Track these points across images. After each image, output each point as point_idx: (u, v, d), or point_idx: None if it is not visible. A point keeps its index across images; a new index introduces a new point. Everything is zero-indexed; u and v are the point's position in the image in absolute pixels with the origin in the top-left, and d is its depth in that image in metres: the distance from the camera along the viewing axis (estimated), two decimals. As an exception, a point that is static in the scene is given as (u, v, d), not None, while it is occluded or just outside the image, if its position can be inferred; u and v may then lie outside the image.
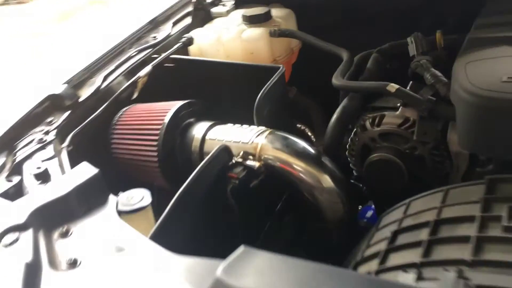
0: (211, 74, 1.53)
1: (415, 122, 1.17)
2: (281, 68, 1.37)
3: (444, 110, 1.09)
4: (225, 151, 1.13)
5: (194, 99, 1.40)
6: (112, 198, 1.03)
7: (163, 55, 1.56)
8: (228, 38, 1.62)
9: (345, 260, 1.12)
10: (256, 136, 1.18)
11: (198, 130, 1.28)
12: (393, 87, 1.16)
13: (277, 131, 1.20)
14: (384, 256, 0.86)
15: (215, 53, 1.65)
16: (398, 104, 1.21)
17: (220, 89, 1.51)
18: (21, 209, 0.96)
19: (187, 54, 1.70)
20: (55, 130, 1.30)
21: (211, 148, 1.24)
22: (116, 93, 1.43)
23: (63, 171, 1.12)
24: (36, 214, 0.96)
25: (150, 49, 1.63)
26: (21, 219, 0.94)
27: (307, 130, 1.67)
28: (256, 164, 1.13)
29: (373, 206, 1.43)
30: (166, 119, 1.27)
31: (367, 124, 1.24)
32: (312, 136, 1.65)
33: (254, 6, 1.80)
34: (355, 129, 1.27)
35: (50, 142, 1.25)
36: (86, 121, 1.34)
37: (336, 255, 1.24)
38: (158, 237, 0.94)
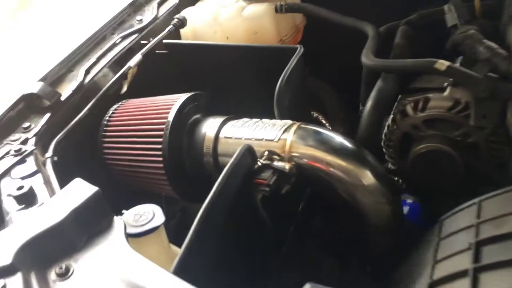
0: (212, 60, 1.32)
1: (467, 105, 1.00)
2: (299, 48, 1.17)
3: (508, 89, 0.92)
4: (249, 152, 0.93)
5: (193, 90, 1.20)
6: (117, 220, 0.83)
7: (153, 40, 1.34)
8: (226, 17, 1.41)
9: (396, 273, 0.96)
10: (283, 132, 0.99)
11: (209, 127, 1.08)
12: (442, 64, 0.98)
13: (306, 125, 1.01)
14: (474, 278, 0.69)
15: (211, 35, 1.44)
16: (445, 84, 1.03)
17: (223, 78, 1.31)
18: (3, 246, 0.75)
19: (179, 38, 1.48)
20: (34, 138, 1.07)
21: (228, 148, 1.05)
22: (104, 88, 1.21)
23: (51, 191, 0.91)
24: (24, 251, 0.75)
25: (136, 34, 1.41)
26: (6, 259, 0.73)
27: (320, 117, 1.48)
28: (286, 165, 0.94)
29: (408, 201, 1.26)
30: (170, 116, 1.06)
31: (409, 109, 1.06)
32: (327, 124, 1.46)
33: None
34: (392, 116, 1.09)
35: (29, 153, 1.02)
36: (70, 123, 1.12)
37: (380, 265, 1.09)
38: (183, 271, 0.74)
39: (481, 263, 0.71)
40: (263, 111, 1.10)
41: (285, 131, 0.99)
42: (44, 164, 1.00)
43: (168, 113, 1.08)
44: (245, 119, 1.07)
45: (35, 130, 1.09)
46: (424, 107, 1.05)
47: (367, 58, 1.12)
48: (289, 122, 1.01)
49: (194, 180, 1.12)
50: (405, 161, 1.08)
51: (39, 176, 0.95)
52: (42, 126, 1.10)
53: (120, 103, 1.21)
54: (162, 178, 1.07)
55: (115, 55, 1.32)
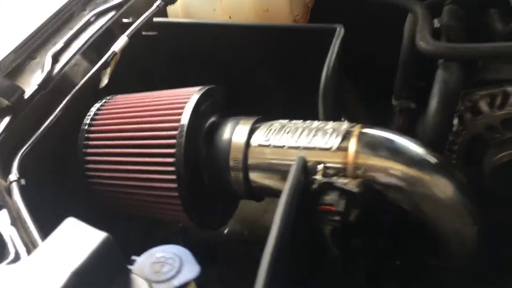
0: (218, 44, 1.05)
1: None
2: (339, 29, 0.93)
3: None
4: (303, 167, 0.68)
5: (191, 82, 0.93)
6: (137, 280, 0.57)
7: (141, 18, 1.05)
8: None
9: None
10: (342, 138, 0.75)
11: (235, 132, 0.81)
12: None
13: (368, 128, 0.77)
14: None
15: (209, 14, 1.16)
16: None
17: (233, 67, 1.04)
18: None
19: (165, 17, 1.19)
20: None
21: (264, 160, 0.79)
22: (82, 81, 0.91)
23: (26, 235, 0.61)
24: None
25: (114, 11, 1.11)
26: None
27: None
28: (351, 183, 0.71)
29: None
30: (185, 119, 0.79)
31: (483, 105, 0.86)
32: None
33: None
34: (458, 114, 0.88)
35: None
36: (39, 130, 0.82)
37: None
38: None
39: None
40: (286, 110, 0.86)
41: (344, 137, 0.75)
42: (8, 191, 0.70)
43: (179, 114, 0.80)
44: (281, 121, 0.82)
45: (-11, 140, 0.78)
46: (503, 103, 0.85)
47: (426, 43, 0.89)
48: (345, 124, 0.77)
49: (213, 202, 0.86)
50: (472, 170, 0.88)
51: (3, 213, 0.66)
52: (1, 134, 0.79)
53: (103, 100, 0.91)
54: (174, 202, 0.80)
55: (90, 37, 1.02)
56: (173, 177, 0.78)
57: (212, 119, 0.85)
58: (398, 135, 0.77)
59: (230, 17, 1.16)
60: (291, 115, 0.84)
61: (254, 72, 1.02)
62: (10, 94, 0.82)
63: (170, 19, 1.13)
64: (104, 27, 1.05)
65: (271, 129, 0.81)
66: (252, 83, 0.97)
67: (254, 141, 0.80)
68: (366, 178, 0.73)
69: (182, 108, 0.81)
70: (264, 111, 0.87)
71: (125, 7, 1.13)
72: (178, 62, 1.08)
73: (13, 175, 0.73)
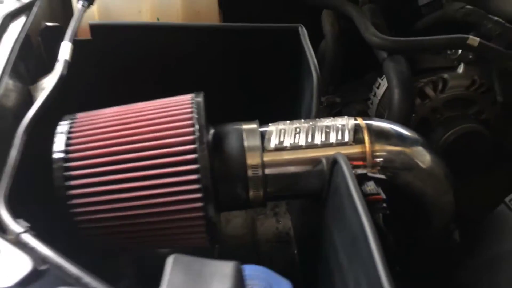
0: (165, 48, 0.95)
1: (481, 82, 0.99)
2: (301, 28, 0.94)
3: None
4: (346, 162, 0.69)
5: (136, 91, 0.84)
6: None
7: (74, 21, 0.88)
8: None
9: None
10: (354, 132, 0.78)
11: (246, 138, 0.76)
12: (475, 40, 0.93)
13: (368, 119, 0.82)
14: None
15: (134, 16, 1.04)
16: (455, 63, 1.00)
17: (182, 72, 0.96)
18: None
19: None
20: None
21: (282, 162, 0.77)
22: (36, 107, 0.73)
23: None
24: None
25: (25, 15, 0.90)
26: None
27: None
28: (375, 171, 0.75)
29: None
30: (200, 130, 0.71)
31: (428, 90, 0.99)
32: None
33: None
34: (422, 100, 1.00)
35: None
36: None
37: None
38: None
39: None
40: (246, 114, 0.85)
41: (355, 130, 0.78)
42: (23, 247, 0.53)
43: (188, 125, 0.71)
44: (284, 122, 0.80)
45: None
46: (443, 87, 0.99)
47: (378, 38, 0.98)
48: (349, 118, 0.80)
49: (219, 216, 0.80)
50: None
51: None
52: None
53: (67, 121, 0.75)
54: (197, 223, 0.71)
55: (12, 50, 0.81)
56: (199, 195, 0.69)
57: (211, 128, 0.78)
58: (391, 123, 0.84)
59: (158, 19, 1.06)
60: (254, 118, 0.83)
61: (214, 76, 0.97)
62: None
63: (108, 21, 0.97)
64: (22, 34, 0.85)
65: (281, 131, 0.78)
66: (211, 87, 0.92)
67: (269, 145, 0.77)
68: (382, 165, 0.78)
69: (188, 119, 0.73)
70: (227, 115, 0.83)
71: (33, 9, 0.93)
72: (117, 68, 0.95)
73: (20, 225, 0.55)
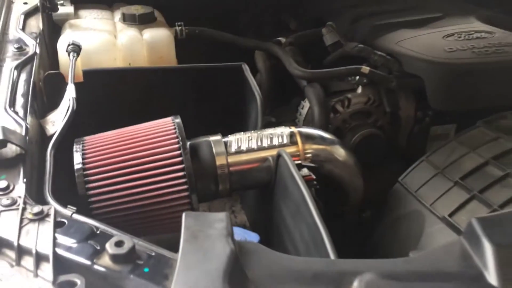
0: (140, 86, 1.22)
1: (375, 98, 1.36)
2: (243, 65, 1.26)
3: (410, 82, 1.32)
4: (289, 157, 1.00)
5: (118, 120, 1.11)
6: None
7: (71, 68, 1.12)
8: (126, 42, 1.32)
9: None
10: (290, 136, 1.09)
11: (213, 146, 1.05)
12: (366, 69, 1.30)
13: (300, 127, 1.14)
14: (479, 198, 1.03)
15: (111, 62, 1.30)
16: (355, 86, 1.36)
17: (154, 104, 1.23)
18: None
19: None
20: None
21: (241, 162, 1.06)
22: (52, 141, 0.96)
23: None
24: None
25: (30, 64, 1.14)
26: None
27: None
28: (307, 162, 1.07)
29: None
30: (182, 141, 0.98)
31: (339, 107, 1.33)
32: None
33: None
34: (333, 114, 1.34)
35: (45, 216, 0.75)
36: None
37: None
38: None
39: (476, 190, 1.05)
40: (208, 130, 1.14)
41: (291, 135, 1.09)
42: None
43: (173, 138, 0.99)
44: (239, 133, 1.10)
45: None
46: (349, 104, 1.34)
47: (300, 71, 1.32)
48: (285, 128, 1.12)
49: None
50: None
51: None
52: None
53: (80, 144, 0.99)
54: (185, 209, 0.97)
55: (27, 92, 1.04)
56: (185, 191, 0.96)
57: (187, 141, 1.06)
58: (316, 129, 1.16)
59: (130, 64, 1.33)
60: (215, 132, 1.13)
61: (179, 104, 1.24)
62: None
63: (101, 68, 1.22)
64: (32, 80, 1.09)
65: (238, 139, 1.08)
66: (176, 111, 1.20)
67: (231, 150, 1.06)
68: (311, 158, 1.09)
69: (172, 134, 1.00)
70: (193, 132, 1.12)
71: (35, 60, 1.16)
72: (103, 104, 1.20)
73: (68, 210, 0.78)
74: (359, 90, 1.36)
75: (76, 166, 0.95)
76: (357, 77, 1.35)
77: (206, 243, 0.64)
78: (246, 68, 1.26)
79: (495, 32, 1.42)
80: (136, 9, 1.41)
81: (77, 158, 0.96)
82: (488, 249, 0.64)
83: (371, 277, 0.62)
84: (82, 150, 0.98)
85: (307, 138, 1.11)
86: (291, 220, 0.98)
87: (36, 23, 1.33)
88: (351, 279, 0.61)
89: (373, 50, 1.37)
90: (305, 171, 1.02)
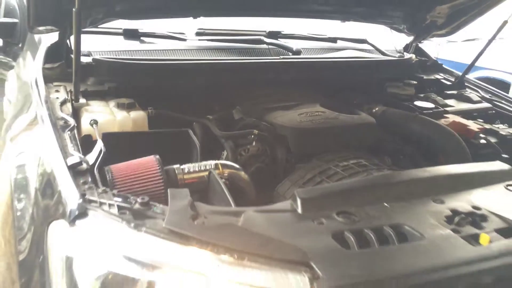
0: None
1: (264, 148, 2.38)
2: (189, 131, 2.24)
3: (281, 138, 2.36)
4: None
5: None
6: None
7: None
8: (120, 119, 2.25)
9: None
10: (215, 165, 2.06)
11: (176, 170, 1.99)
12: (256, 132, 2.33)
13: (221, 161, 2.11)
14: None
15: (113, 130, 2.22)
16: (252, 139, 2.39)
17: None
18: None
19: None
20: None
21: (190, 178, 2.00)
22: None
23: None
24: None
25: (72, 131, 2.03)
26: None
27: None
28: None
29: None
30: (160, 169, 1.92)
31: (243, 153, 2.34)
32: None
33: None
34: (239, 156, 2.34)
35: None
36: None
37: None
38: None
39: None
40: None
41: (216, 164, 2.06)
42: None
43: (156, 167, 1.92)
44: (188, 164, 2.04)
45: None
46: (248, 151, 2.35)
47: (219, 133, 2.32)
48: (213, 161, 2.08)
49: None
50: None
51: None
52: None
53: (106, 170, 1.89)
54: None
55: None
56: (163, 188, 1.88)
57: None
58: (228, 162, 2.14)
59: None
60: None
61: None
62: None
63: (109, 132, 2.13)
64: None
65: (189, 166, 2.02)
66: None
67: (185, 171, 1.99)
68: (226, 177, 2.05)
69: (156, 164, 1.93)
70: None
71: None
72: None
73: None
74: (254, 143, 2.38)
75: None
76: (252, 136, 2.38)
77: (178, 199, 1.57)
78: (191, 133, 2.24)
79: (325, 112, 2.54)
80: (124, 101, 2.36)
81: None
82: (298, 198, 1.62)
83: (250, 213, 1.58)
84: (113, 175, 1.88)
85: (224, 166, 2.08)
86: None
87: (67, 109, 2.23)
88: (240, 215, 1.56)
89: (261, 122, 2.42)
90: (222, 181, 1.99)
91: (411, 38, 3.49)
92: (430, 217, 1.66)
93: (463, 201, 1.79)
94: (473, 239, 1.56)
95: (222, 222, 1.50)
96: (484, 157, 2.30)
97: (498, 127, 2.68)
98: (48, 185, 1.71)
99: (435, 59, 3.50)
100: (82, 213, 1.48)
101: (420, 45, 3.57)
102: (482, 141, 2.52)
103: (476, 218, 1.68)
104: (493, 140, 2.54)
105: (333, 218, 1.59)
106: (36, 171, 1.89)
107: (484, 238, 1.58)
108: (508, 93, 6.03)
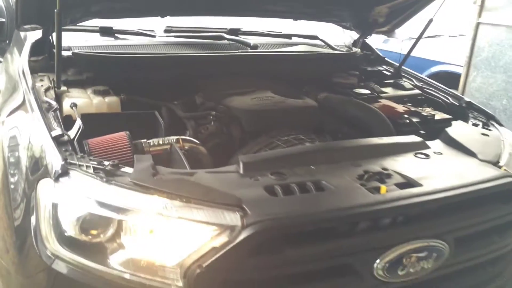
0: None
1: (220, 127, 2.78)
2: (155, 112, 2.62)
3: (235, 118, 2.76)
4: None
5: None
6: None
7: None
8: (96, 103, 2.62)
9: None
10: (177, 140, 2.44)
11: (144, 143, 2.37)
12: (213, 113, 2.73)
13: (182, 136, 2.49)
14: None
15: (88, 111, 2.59)
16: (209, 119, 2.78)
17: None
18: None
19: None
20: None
21: (156, 150, 2.39)
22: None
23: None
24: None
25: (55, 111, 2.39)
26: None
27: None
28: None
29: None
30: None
31: (203, 131, 2.73)
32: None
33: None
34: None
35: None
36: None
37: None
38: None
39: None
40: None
41: (177, 139, 2.44)
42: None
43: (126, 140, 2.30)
44: (154, 139, 2.42)
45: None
46: (207, 129, 2.75)
47: (183, 114, 2.71)
48: (176, 136, 2.46)
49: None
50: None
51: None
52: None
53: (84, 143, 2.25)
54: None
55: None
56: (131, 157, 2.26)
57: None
58: (191, 139, 2.52)
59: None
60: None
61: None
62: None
63: (87, 113, 2.50)
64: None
65: (154, 141, 2.40)
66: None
67: (151, 144, 2.38)
68: (187, 149, 2.44)
69: (125, 138, 2.31)
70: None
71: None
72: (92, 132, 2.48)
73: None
74: (212, 123, 2.78)
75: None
76: (211, 116, 2.78)
77: (142, 162, 1.97)
78: (156, 113, 2.62)
79: (275, 97, 2.95)
80: (100, 88, 2.73)
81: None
82: (241, 162, 2.03)
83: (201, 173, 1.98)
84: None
85: (184, 140, 2.47)
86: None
87: (51, 94, 2.59)
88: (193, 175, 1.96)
89: (219, 105, 2.82)
90: (182, 152, 2.37)
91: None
92: (346, 175, 2.09)
93: (376, 165, 2.22)
94: (375, 190, 1.99)
95: (176, 178, 1.90)
96: (407, 133, 2.73)
97: (423, 110, 3.13)
98: (36, 153, 2.08)
99: (379, 52, 3.94)
100: (64, 172, 1.86)
101: (367, 40, 4.00)
102: (407, 121, 2.96)
103: (383, 176, 2.12)
104: (415, 119, 2.98)
105: (267, 176, 2.00)
106: (26, 146, 2.25)
107: (383, 189, 2.01)
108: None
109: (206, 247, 1.70)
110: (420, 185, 2.05)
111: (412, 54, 8.67)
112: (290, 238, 1.78)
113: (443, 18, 9.46)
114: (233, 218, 1.73)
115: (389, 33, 3.92)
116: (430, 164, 2.31)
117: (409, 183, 2.09)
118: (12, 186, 2.12)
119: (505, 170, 2.34)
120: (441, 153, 2.43)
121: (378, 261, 1.89)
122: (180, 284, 1.71)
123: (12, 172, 2.15)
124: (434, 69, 7.88)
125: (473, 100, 3.30)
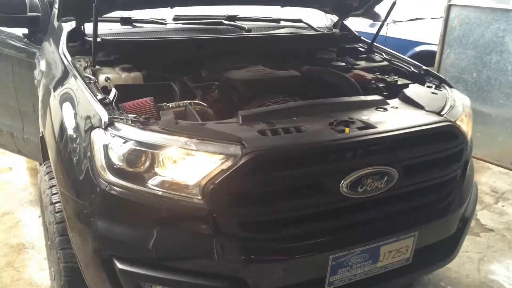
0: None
1: (222, 94, 3.43)
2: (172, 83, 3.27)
3: (234, 87, 3.41)
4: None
5: None
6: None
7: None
8: (125, 77, 3.27)
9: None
10: (190, 103, 3.09)
11: (164, 106, 3.02)
12: (216, 83, 3.37)
13: (193, 101, 3.14)
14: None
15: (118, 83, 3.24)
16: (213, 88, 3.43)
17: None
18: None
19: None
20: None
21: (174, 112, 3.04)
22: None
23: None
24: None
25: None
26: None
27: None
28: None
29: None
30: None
31: (208, 97, 3.38)
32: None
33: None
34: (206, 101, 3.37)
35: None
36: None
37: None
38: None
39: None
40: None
41: (190, 102, 3.09)
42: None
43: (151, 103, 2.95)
44: (172, 103, 3.07)
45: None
46: (213, 96, 3.39)
47: (193, 84, 3.35)
48: (187, 101, 3.10)
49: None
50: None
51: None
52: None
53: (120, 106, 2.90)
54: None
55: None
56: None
57: (155, 104, 3.02)
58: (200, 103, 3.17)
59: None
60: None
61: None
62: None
63: (120, 84, 3.15)
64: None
65: (170, 104, 3.06)
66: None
67: (169, 107, 3.03)
68: (198, 109, 3.09)
69: (151, 102, 2.96)
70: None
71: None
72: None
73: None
74: (216, 91, 3.42)
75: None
76: (215, 86, 3.42)
77: (166, 115, 2.63)
78: (172, 84, 3.27)
79: (265, 69, 3.59)
80: (126, 66, 3.37)
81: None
82: (240, 115, 2.68)
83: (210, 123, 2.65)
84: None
85: (195, 104, 3.11)
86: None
87: (88, 71, 3.22)
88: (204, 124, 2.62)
89: (221, 77, 3.46)
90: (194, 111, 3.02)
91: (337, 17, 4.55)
92: (319, 123, 2.75)
93: (344, 115, 2.87)
94: (341, 131, 2.65)
95: (193, 125, 2.57)
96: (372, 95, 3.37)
97: (388, 77, 3.78)
98: (87, 112, 2.73)
99: (355, 33, 4.57)
100: (111, 123, 2.52)
101: (345, 22, 4.64)
102: (373, 85, 3.61)
103: (348, 122, 2.78)
104: (381, 84, 3.63)
105: (260, 124, 2.66)
106: (78, 108, 2.88)
107: (347, 130, 2.68)
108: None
109: (216, 170, 2.36)
110: (375, 127, 2.71)
111: (398, 36, 9.29)
112: (277, 163, 2.44)
113: (426, 2, 10.04)
114: (235, 149, 2.39)
115: (365, 15, 4.55)
116: (386, 115, 2.97)
117: (367, 126, 2.74)
118: (70, 137, 2.78)
119: (445, 118, 2.99)
120: (397, 107, 3.09)
121: (343, 181, 2.55)
122: (199, 197, 2.38)
123: (68, 128, 2.81)
124: (418, 49, 8.51)
125: (447, 74, 3.96)
